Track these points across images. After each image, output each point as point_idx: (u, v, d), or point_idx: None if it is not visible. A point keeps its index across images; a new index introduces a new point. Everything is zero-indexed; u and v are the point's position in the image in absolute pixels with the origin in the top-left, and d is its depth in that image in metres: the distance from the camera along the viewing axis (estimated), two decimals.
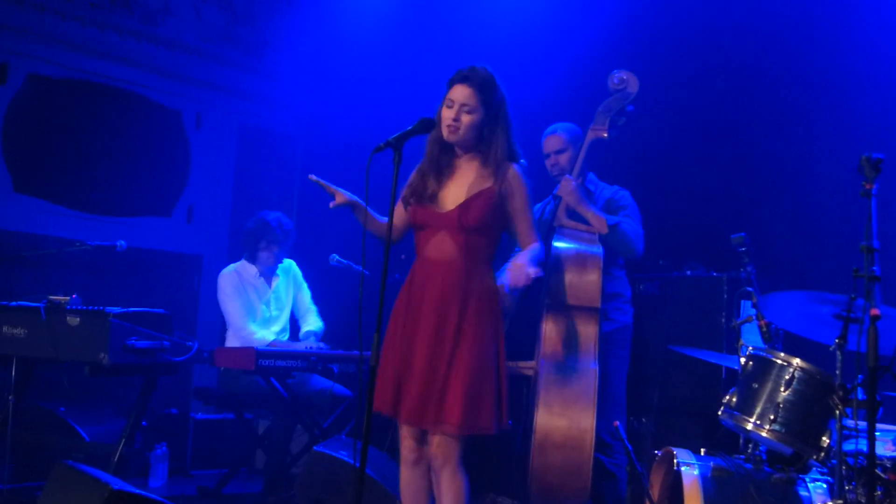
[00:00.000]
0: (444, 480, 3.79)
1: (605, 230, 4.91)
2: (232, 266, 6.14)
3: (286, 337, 6.13)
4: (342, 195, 4.04)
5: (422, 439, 3.91)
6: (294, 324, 6.30)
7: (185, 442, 6.84)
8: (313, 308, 6.29)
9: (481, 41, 6.58)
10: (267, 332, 5.95)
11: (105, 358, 4.48)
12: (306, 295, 6.29)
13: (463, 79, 3.89)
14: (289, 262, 6.27)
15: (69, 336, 4.59)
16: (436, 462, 3.82)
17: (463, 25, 6.90)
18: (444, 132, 3.90)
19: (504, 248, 4.17)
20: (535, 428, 4.46)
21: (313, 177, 4.03)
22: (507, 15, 6.80)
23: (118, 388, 6.33)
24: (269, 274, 6.15)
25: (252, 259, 6.09)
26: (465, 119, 3.87)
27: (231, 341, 5.94)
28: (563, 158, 5.18)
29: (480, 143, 3.93)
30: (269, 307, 6.10)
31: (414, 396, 3.78)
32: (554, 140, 5.22)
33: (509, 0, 6.85)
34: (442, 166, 4.00)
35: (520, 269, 3.72)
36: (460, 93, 3.88)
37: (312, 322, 6.20)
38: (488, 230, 3.91)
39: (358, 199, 4.03)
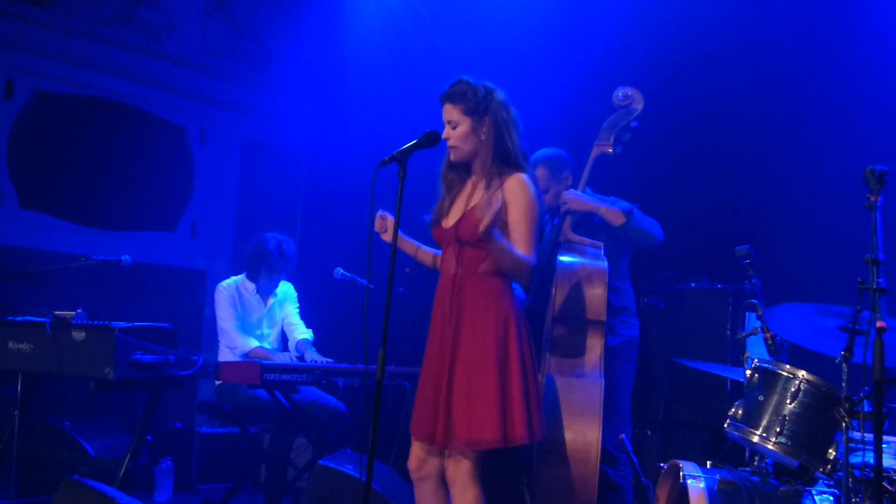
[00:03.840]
0: (455, 496, 3.79)
1: (621, 220, 4.91)
2: (232, 279, 6.17)
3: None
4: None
5: (427, 455, 3.90)
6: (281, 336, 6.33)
7: (190, 456, 6.83)
8: (300, 321, 6.29)
9: (486, 55, 6.60)
10: (251, 339, 5.96)
11: (110, 372, 4.47)
12: (294, 310, 6.30)
13: (445, 98, 3.92)
14: (286, 285, 6.31)
15: (74, 351, 4.59)
16: (447, 477, 3.82)
17: (467, 40, 6.92)
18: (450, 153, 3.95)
19: None
20: (541, 440, 4.45)
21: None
22: (513, 30, 6.81)
23: (123, 402, 6.34)
24: (266, 293, 6.18)
25: (252, 278, 6.14)
26: (454, 134, 3.88)
27: (223, 353, 5.95)
28: (548, 198, 5.12)
29: (482, 150, 3.90)
30: (262, 325, 6.13)
31: (424, 414, 3.80)
32: (537, 173, 5.18)
33: (514, 15, 6.86)
34: (452, 184, 4.02)
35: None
36: (446, 111, 3.91)
37: (301, 331, 6.21)
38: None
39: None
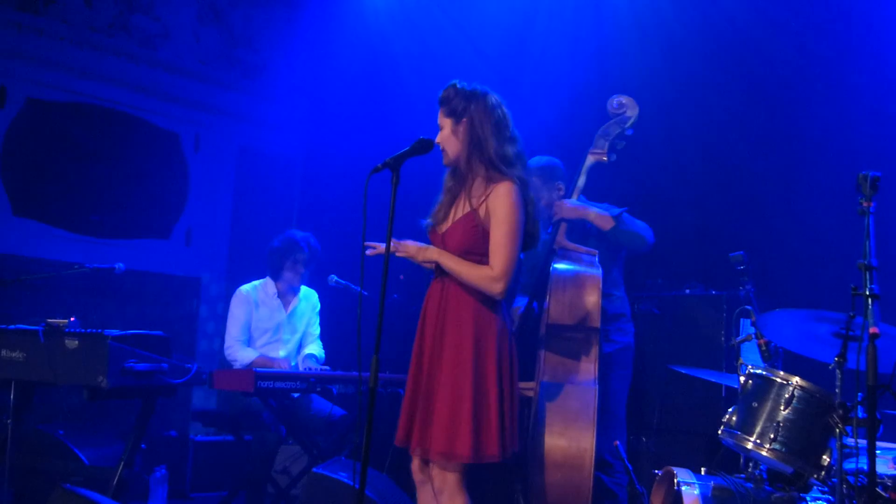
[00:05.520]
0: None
1: (610, 224, 4.94)
2: (252, 284, 6.15)
3: (292, 362, 6.11)
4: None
5: (427, 461, 3.90)
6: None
7: (185, 464, 6.81)
8: (318, 340, 6.29)
9: (480, 63, 6.61)
10: (250, 351, 5.93)
11: (104, 381, 4.46)
12: (316, 326, 6.31)
13: (438, 103, 3.96)
14: (311, 292, 6.28)
15: (68, 359, 4.57)
16: (434, 487, 3.82)
17: (461, 47, 6.93)
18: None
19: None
20: (536, 447, 4.45)
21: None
22: (507, 38, 6.83)
23: (117, 410, 6.31)
24: (288, 295, 6.14)
25: (276, 277, 6.10)
26: (440, 137, 3.91)
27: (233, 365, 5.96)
28: (541, 205, 5.11)
29: (465, 153, 3.89)
30: (281, 331, 6.10)
31: (405, 421, 3.82)
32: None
33: (510, 23, 6.87)
34: (450, 190, 4.02)
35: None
36: (439, 116, 3.96)
37: (314, 348, 6.20)
38: (477, 255, 3.83)
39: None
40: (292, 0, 8.30)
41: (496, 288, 3.78)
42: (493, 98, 3.93)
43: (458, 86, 3.92)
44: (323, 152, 8.04)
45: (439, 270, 3.93)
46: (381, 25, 7.54)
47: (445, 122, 3.91)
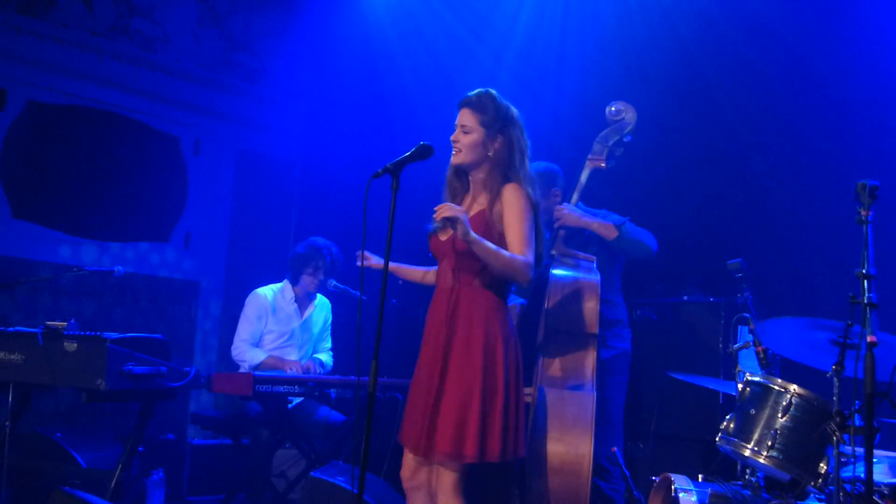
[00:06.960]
0: None
1: (614, 234, 4.95)
2: (270, 287, 6.17)
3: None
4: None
5: (418, 465, 3.91)
6: None
7: (182, 468, 6.79)
8: (329, 352, 6.30)
9: (477, 68, 6.61)
10: (259, 352, 5.93)
11: (102, 384, 4.46)
12: (328, 340, 6.33)
13: (465, 103, 3.96)
14: (326, 301, 6.31)
15: (66, 362, 4.57)
16: (433, 488, 3.83)
17: (458, 53, 6.93)
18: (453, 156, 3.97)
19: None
20: (533, 453, 4.45)
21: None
22: (507, 44, 6.84)
23: (115, 413, 6.31)
24: (305, 301, 6.16)
25: (294, 281, 6.12)
26: (464, 139, 3.91)
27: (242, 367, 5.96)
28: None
29: (486, 165, 3.93)
30: (296, 336, 6.11)
31: (412, 423, 3.82)
32: None
33: (509, 29, 6.88)
34: (455, 192, 4.04)
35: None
36: (461, 115, 3.95)
37: (324, 356, 6.23)
38: None
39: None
40: (291, 4, 8.30)
41: (529, 275, 3.81)
42: (522, 119, 4.00)
43: (497, 99, 3.94)
44: (322, 156, 8.04)
45: (443, 279, 3.94)
46: (380, 30, 7.54)
47: (476, 129, 3.90)
